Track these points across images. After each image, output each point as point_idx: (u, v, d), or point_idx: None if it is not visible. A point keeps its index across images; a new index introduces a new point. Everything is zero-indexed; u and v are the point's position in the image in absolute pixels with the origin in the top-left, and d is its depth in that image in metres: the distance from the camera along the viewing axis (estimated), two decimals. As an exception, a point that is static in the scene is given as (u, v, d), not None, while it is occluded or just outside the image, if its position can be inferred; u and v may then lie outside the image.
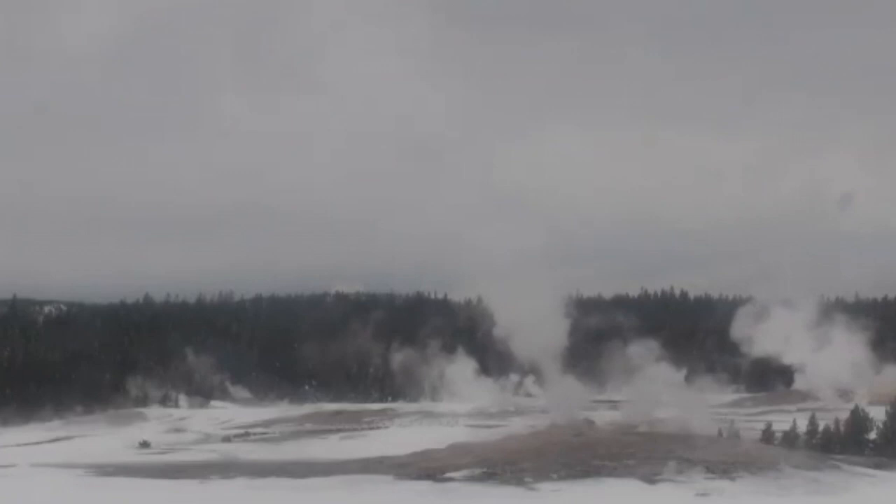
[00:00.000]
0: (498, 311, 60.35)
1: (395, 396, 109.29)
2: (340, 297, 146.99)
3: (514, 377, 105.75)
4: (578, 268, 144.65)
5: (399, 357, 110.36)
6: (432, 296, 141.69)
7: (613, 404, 76.69)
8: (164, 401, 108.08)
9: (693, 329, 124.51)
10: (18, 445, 71.26)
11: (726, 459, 45.84)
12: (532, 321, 58.00)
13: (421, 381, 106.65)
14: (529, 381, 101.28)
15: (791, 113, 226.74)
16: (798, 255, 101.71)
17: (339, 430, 76.25)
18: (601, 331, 72.75)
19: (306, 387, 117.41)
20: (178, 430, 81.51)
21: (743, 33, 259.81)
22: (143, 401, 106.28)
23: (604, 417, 64.66)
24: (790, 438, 57.59)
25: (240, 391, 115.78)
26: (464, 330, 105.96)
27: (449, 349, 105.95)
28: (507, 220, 61.51)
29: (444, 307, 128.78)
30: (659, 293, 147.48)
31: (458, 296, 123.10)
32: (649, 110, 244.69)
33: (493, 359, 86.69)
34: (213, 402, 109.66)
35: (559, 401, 59.37)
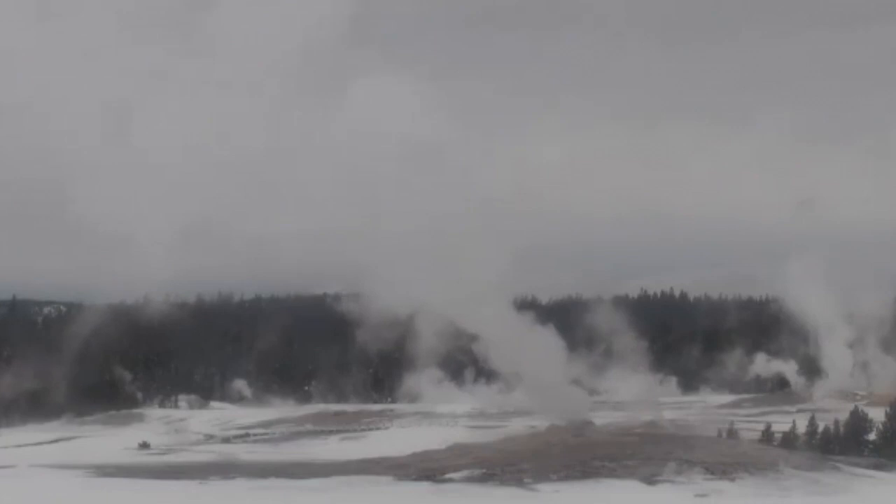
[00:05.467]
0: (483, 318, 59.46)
1: (395, 397, 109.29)
2: (340, 298, 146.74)
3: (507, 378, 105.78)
4: (578, 268, 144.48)
5: (397, 357, 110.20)
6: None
7: (612, 405, 76.75)
8: (164, 401, 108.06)
9: (693, 329, 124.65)
10: (18, 446, 71.23)
11: (726, 460, 45.88)
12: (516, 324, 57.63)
13: (420, 381, 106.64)
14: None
15: (792, 111, 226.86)
16: (798, 255, 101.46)
17: (338, 431, 76.23)
18: (601, 332, 72.65)
19: (306, 387, 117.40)
20: (177, 431, 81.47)
21: (742, 30, 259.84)
22: (143, 401, 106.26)
23: (602, 419, 64.70)
24: (790, 439, 57.66)
25: (239, 392, 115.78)
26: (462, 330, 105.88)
27: (447, 349, 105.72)
28: (502, 221, 61.39)
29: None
30: (659, 293, 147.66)
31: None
32: (651, 110, 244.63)
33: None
34: (212, 403, 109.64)
35: (553, 403, 59.19)
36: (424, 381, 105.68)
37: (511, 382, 71.55)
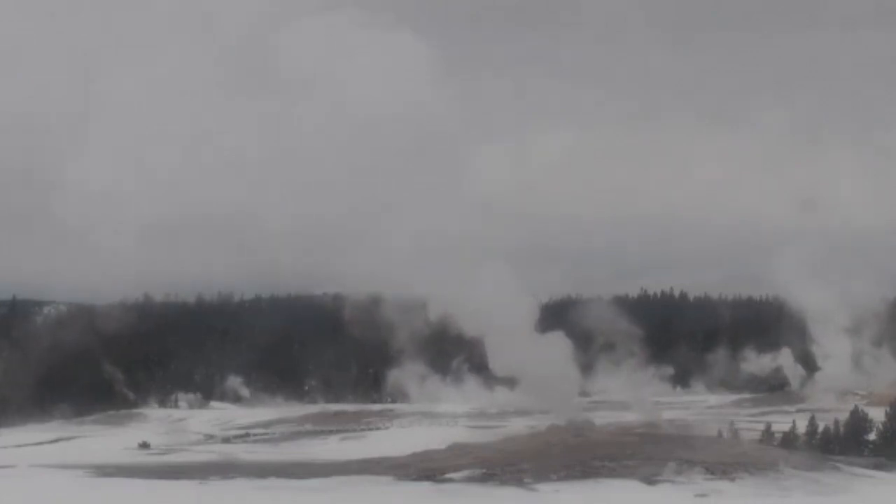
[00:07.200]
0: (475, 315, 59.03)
1: (395, 397, 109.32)
2: (339, 298, 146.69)
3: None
4: (578, 269, 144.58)
5: (396, 357, 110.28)
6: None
7: (612, 405, 76.87)
8: (164, 401, 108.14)
9: (693, 329, 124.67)
10: (18, 446, 71.25)
11: (726, 460, 45.91)
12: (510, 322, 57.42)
13: (419, 381, 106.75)
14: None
15: (792, 111, 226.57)
16: (797, 253, 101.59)
17: (338, 431, 76.36)
18: (601, 332, 72.73)
19: (306, 387, 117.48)
20: (177, 431, 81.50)
21: (739, 30, 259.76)
22: (143, 401, 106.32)
23: (602, 419, 64.79)
24: (790, 439, 57.68)
25: (239, 391, 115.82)
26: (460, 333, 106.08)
27: (446, 349, 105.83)
28: (498, 222, 61.46)
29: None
30: (659, 294, 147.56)
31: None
32: (651, 110, 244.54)
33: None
34: (212, 403, 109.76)
35: (546, 400, 59.10)
36: (423, 381, 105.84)
37: (511, 382, 71.47)
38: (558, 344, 58.17)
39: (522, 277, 58.81)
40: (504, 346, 57.39)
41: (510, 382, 71.95)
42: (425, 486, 43.58)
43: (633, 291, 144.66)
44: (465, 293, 56.00)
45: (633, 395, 68.49)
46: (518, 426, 67.12)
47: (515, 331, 56.19)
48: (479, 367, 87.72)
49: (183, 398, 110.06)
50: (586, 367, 72.48)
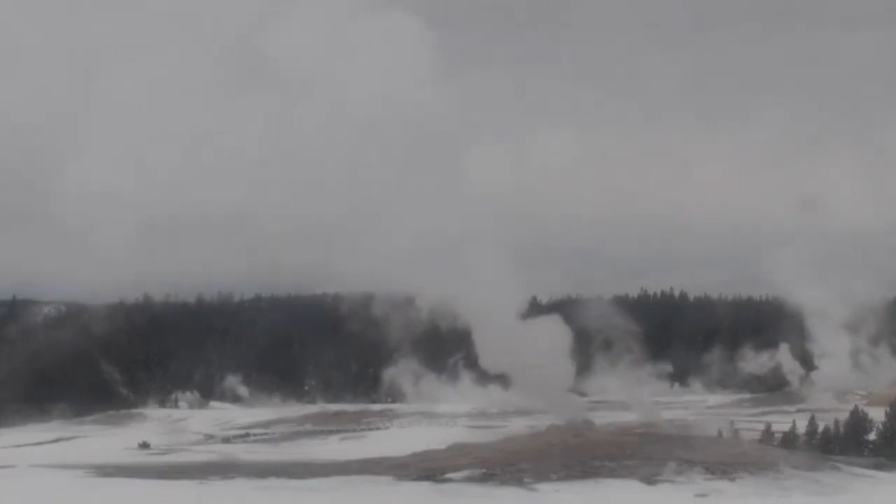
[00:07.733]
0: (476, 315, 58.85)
1: (395, 397, 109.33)
2: (339, 297, 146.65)
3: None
4: (578, 269, 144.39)
5: (398, 357, 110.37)
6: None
7: (612, 405, 76.91)
8: (164, 401, 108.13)
9: (693, 329, 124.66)
10: (18, 446, 71.26)
11: (726, 460, 45.92)
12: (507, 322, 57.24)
13: (417, 380, 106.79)
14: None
15: (790, 111, 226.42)
16: (797, 254, 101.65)
17: (338, 431, 76.37)
18: (601, 332, 72.80)
19: (306, 387, 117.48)
20: (177, 431, 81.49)
21: (738, 31, 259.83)
22: (143, 401, 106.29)
23: (602, 419, 64.82)
24: (790, 439, 57.70)
25: (239, 391, 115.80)
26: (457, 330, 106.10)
27: (444, 347, 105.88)
28: (498, 222, 61.46)
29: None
30: (659, 293, 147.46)
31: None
32: (651, 110, 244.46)
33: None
34: (212, 403, 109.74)
35: (546, 401, 59.05)
36: (421, 380, 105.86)
37: (506, 380, 71.44)
38: (554, 328, 58.06)
39: (517, 274, 58.76)
40: (493, 339, 57.34)
41: (503, 381, 71.96)
42: (425, 486, 43.58)
43: (633, 291, 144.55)
44: (454, 286, 55.94)
45: (632, 395, 68.55)
46: (518, 426, 67.11)
47: (504, 323, 56.08)
48: (476, 364, 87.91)
49: (183, 398, 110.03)
50: (586, 367, 72.56)
